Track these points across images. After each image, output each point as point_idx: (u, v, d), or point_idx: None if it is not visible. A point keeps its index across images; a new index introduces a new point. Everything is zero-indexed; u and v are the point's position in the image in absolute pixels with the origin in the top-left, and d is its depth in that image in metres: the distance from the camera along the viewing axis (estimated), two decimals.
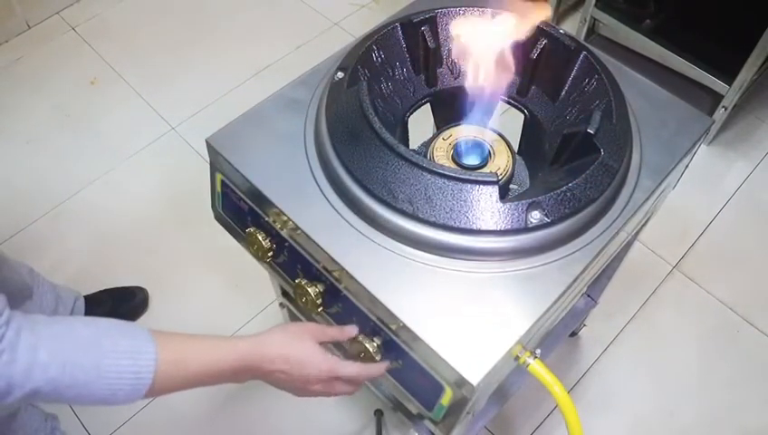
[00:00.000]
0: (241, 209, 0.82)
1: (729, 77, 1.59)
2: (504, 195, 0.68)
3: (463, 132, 0.81)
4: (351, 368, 0.70)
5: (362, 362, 0.71)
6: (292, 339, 0.68)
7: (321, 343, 0.70)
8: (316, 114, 0.79)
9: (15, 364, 0.52)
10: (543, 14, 0.77)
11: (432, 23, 0.82)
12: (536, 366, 0.67)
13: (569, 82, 0.79)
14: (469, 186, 0.66)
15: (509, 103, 0.85)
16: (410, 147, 0.85)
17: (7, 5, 1.94)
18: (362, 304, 0.70)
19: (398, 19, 0.81)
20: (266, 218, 0.77)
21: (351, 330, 0.72)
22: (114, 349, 0.57)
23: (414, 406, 0.74)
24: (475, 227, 0.66)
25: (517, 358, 0.67)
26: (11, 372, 0.52)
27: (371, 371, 0.71)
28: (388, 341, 0.69)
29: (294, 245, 0.75)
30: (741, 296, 1.47)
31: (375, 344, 0.71)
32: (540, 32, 0.80)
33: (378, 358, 0.71)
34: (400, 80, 0.83)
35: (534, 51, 0.80)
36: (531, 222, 0.66)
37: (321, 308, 0.76)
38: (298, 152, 0.77)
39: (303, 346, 0.68)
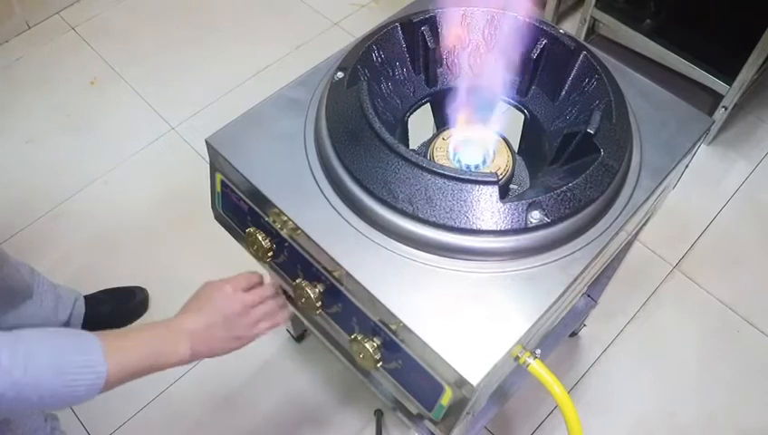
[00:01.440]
0: (241, 209, 0.82)
1: (729, 77, 1.59)
2: (503, 195, 0.68)
3: (463, 132, 0.81)
4: (248, 276, 0.78)
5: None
6: (200, 289, 0.77)
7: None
8: (316, 114, 0.80)
9: None
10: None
11: (432, 23, 0.82)
12: (536, 366, 0.67)
13: (569, 82, 0.79)
14: (469, 186, 0.66)
15: (509, 103, 0.85)
16: (410, 147, 0.85)
17: (7, 5, 1.93)
18: (362, 304, 0.70)
19: (398, 19, 0.81)
20: (266, 218, 0.77)
21: (256, 277, 0.79)
22: (65, 345, 0.60)
23: (414, 406, 0.74)
24: (475, 227, 0.66)
25: (517, 358, 0.67)
26: None
27: (266, 292, 0.79)
28: (388, 341, 0.69)
29: (294, 245, 0.75)
30: (741, 296, 1.47)
31: (375, 344, 0.71)
32: (540, 32, 0.80)
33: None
34: (400, 80, 0.83)
35: (534, 51, 0.80)
36: (531, 222, 0.66)
37: (320, 309, 0.76)
38: (298, 152, 0.77)
39: (204, 287, 0.77)
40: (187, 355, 0.70)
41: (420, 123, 0.89)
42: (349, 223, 0.71)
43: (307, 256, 0.74)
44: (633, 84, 0.85)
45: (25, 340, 0.58)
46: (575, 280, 0.68)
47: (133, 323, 0.65)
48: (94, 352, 0.61)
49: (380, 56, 0.80)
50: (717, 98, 1.65)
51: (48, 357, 0.58)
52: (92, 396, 0.61)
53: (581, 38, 1.80)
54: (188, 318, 0.72)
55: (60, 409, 0.61)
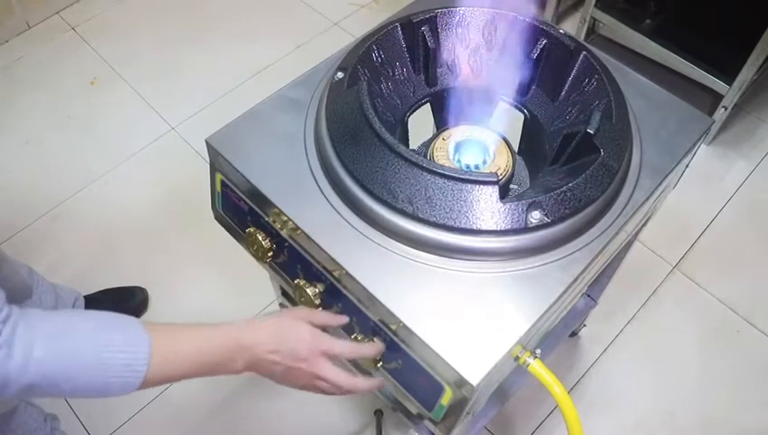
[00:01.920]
0: (241, 209, 0.82)
1: (729, 77, 1.59)
2: (504, 195, 0.68)
3: (463, 132, 0.81)
4: (342, 345, 0.69)
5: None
6: (281, 318, 0.69)
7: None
8: (316, 114, 0.79)
9: (11, 360, 0.53)
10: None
11: (432, 23, 0.82)
12: (536, 366, 0.67)
13: (569, 82, 0.79)
14: (469, 186, 0.66)
15: (509, 103, 0.85)
16: (410, 147, 0.85)
17: (7, 5, 1.93)
18: (362, 304, 0.70)
19: (398, 19, 0.81)
20: (266, 218, 0.77)
21: (342, 318, 0.73)
22: (108, 342, 0.58)
23: (414, 406, 0.74)
24: (475, 226, 0.66)
25: (517, 358, 0.67)
26: (7, 368, 0.53)
27: (363, 350, 0.70)
28: (388, 341, 0.69)
29: (294, 245, 0.75)
30: (741, 296, 1.47)
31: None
32: (540, 32, 0.80)
33: (379, 362, 0.71)
34: (400, 80, 0.83)
35: (534, 51, 0.80)
36: (531, 222, 0.66)
37: (319, 309, 0.76)
38: (298, 152, 0.77)
39: (292, 323, 0.69)
40: (240, 372, 0.68)
41: (420, 123, 0.89)
42: (349, 223, 0.71)
43: (307, 256, 0.74)
44: (633, 84, 0.85)
45: (64, 333, 0.57)
46: (575, 280, 0.68)
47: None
48: (138, 353, 0.59)
49: (380, 56, 0.80)
50: (717, 98, 1.65)
51: (89, 353, 0.57)
52: (126, 393, 0.60)
53: (581, 38, 1.80)
54: (263, 347, 0.66)
55: (88, 398, 0.60)
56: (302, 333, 0.68)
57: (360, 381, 0.71)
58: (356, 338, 0.72)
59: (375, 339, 0.71)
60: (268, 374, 0.69)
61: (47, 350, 0.55)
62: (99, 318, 0.60)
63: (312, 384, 0.70)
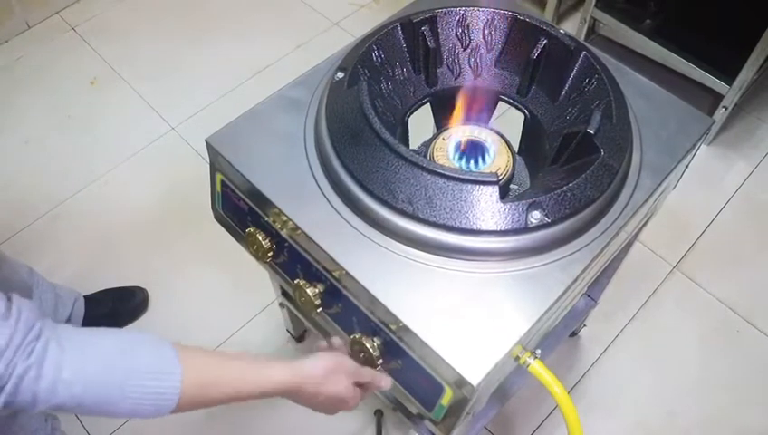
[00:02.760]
0: (241, 209, 0.82)
1: (729, 77, 1.59)
2: (504, 195, 0.68)
3: (463, 132, 0.81)
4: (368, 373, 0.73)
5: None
6: (329, 374, 0.69)
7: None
8: (316, 114, 0.79)
9: (41, 380, 0.52)
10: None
11: (432, 23, 0.82)
12: (536, 366, 0.67)
13: (569, 82, 0.79)
14: (469, 186, 0.66)
15: (509, 103, 0.85)
16: (410, 147, 0.85)
17: (7, 5, 1.93)
18: (362, 305, 0.70)
19: (398, 19, 0.81)
20: (266, 218, 0.77)
21: (387, 381, 0.73)
22: (139, 368, 0.57)
23: (414, 406, 0.74)
24: (475, 227, 0.66)
25: (517, 358, 0.67)
26: (37, 388, 0.52)
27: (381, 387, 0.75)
28: (388, 341, 0.69)
29: (294, 245, 0.75)
30: (741, 296, 1.47)
31: (375, 344, 0.71)
32: (540, 32, 0.80)
33: (379, 361, 0.71)
34: (400, 80, 0.83)
35: (534, 51, 0.80)
36: (531, 222, 0.66)
37: (319, 308, 0.76)
38: (298, 152, 0.77)
39: (338, 382, 0.70)
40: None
41: (420, 123, 0.89)
42: (349, 223, 0.71)
43: (307, 256, 0.74)
44: (633, 84, 0.85)
45: (93, 356, 0.56)
46: (575, 280, 0.68)
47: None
48: (170, 381, 0.58)
49: (380, 56, 0.80)
50: (717, 98, 1.65)
51: (116, 378, 0.56)
52: (161, 416, 0.60)
53: (581, 38, 1.80)
54: (303, 401, 0.70)
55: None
56: (345, 394, 0.71)
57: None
58: (356, 338, 0.72)
59: (378, 362, 0.72)
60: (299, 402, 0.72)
61: (75, 372, 0.54)
62: (131, 337, 0.59)
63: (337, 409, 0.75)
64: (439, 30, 0.83)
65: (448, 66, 0.85)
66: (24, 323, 0.53)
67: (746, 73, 1.55)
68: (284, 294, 1.15)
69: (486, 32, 0.83)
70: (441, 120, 0.87)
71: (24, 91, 1.85)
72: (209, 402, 0.62)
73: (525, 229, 0.67)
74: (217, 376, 0.62)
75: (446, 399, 0.67)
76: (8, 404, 0.52)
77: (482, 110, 0.82)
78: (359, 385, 0.73)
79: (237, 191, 0.80)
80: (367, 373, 0.72)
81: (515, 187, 0.84)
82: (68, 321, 1.30)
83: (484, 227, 0.66)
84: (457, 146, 0.80)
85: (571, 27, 1.96)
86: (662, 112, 0.82)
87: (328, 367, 0.69)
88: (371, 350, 0.70)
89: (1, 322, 0.52)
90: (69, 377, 0.54)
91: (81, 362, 0.55)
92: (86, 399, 0.54)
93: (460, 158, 0.79)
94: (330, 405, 0.72)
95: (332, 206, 0.72)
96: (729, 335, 1.42)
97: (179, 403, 0.59)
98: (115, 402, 0.56)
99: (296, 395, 0.68)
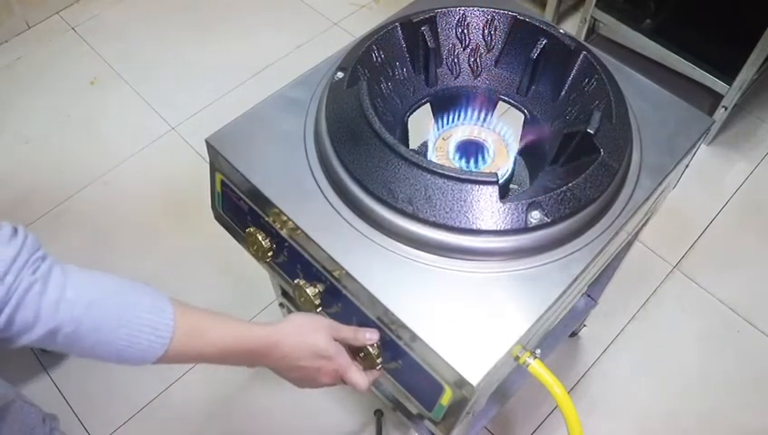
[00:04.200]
0: (241, 209, 0.82)
1: (729, 77, 1.59)
2: (504, 195, 0.68)
3: (463, 132, 0.81)
4: (356, 376, 0.71)
5: (369, 373, 0.73)
6: (308, 331, 0.69)
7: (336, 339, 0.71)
8: (316, 114, 0.80)
9: (45, 296, 0.53)
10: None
11: (432, 23, 0.82)
12: (536, 366, 0.67)
13: (569, 82, 0.79)
14: (469, 186, 0.66)
15: (509, 103, 0.85)
16: (410, 147, 0.85)
17: (7, 5, 1.93)
18: (362, 304, 0.70)
19: (398, 19, 0.81)
20: (266, 218, 0.77)
21: (371, 335, 0.71)
22: (138, 302, 0.59)
23: (414, 406, 0.74)
24: (474, 226, 0.66)
25: (517, 358, 0.67)
26: (40, 304, 0.53)
27: (374, 377, 0.73)
28: (388, 341, 0.69)
29: (294, 244, 0.75)
30: (741, 296, 1.47)
31: (375, 344, 0.71)
32: (540, 32, 0.80)
33: (378, 360, 0.71)
34: (400, 80, 0.83)
35: (534, 51, 0.80)
36: (531, 222, 0.66)
37: (319, 308, 0.76)
38: (298, 152, 0.77)
39: (318, 339, 0.69)
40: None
41: (420, 123, 0.89)
42: (349, 223, 0.71)
43: (307, 256, 0.74)
44: (633, 84, 0.85)
45: (96, 283, 0.57)
46: (575, 280, 0.68)
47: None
48: (163, 317, 0.59)
49: (380, 56, 0.80)
50: (717, 98, 1.65)
51: (115, 304, 0.57)
52: (148, 362, 0.60)
53: (581, 38, 1.80)
54: (283, 361, 0.69)
55: (108, 362, 0.59)
56: (326, 351, 0.69)
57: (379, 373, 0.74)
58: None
59: (378, 360, 0.71)
60: (282, 374, 0.72)
61: (78, 294, 0.55)
62: (129, 280, 0.61)
63: (332, 382, 0.72)
64: (439, 30, 0.83)
65: (448, 66, 0.85)
66: (31, 244, 0.55)
67: (746, 73, 1.55)
68: (284, 294, 1.15)
69: (486, 32, 0.83)
70: (441, 120, 0.87)
71: (24, 91, 1.86)
72: (196, 351, 0.62)
73: (525, 229, 0.67)
74: (205, 324, 0.64)
75: (446, 399, 0.67)
76: (8, 322, 0.52)
77: (482, 110, 0.82)
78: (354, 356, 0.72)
79: (237, 191, 0.80)
80: (347, 329, 0.72)
81: (515, 187, 0.84)
82: None
83: (483, 227, 0.66)
84: (457, 146, 0.80)
85: (571, 27, 1.96)
86: (662, 112, 0.82)
87: (304, 321, 0.70)
88: (371, 350, 0.70)
89: (9, 240, 0.54)
90: (72, 296, 0.55)
91: (84, 286, 0.56)
92: (84, 323, 0.55)
93: (460, 158, 0.79)
94: (312, 369, 0.70)
95: (332, 206, 0.72)
96: (729, 335, 1.42)
97: (171, 344, 0.59)
98: (112, 331, 0.57)
99: (275, 351, 0.67)
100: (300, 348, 0.68)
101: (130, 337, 0.57)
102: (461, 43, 0.84)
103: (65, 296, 0.54)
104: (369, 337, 0.70)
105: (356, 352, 0.72)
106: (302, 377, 0.71)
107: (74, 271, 0.57)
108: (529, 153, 0.87)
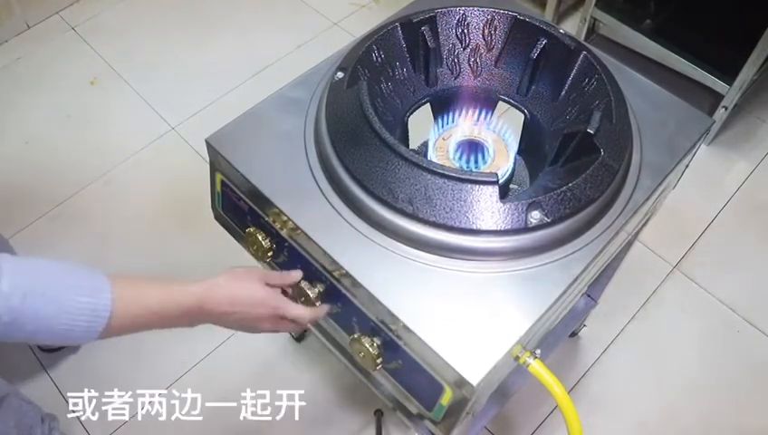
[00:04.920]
0: (241, 209, 0.82)
1: (729, 77, 1.59)
2: (504, 195, 0.68)
3: (463, 132, 0.81)
4: (297, 309, 0.74)
5: (306, 305, 0.75)
6: (239, 281, 0.72)
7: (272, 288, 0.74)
8: (316, 114, 0.79)
9: None
10: None
11: (432, 23, 0.82)
12: (536, 366, 0.67)
13: (569, 82, 0.79)
14: (469, 186, 0.66)
15: (509, 103, 0.85)
16: (410, 147, 0.85)
17: (7, 5, 1.93)
18: (362, 305, 0.70)
19: (398, 19, 0.81)
20: (266, 218, 0.77)
21: (295, 275, 0.75)
22: (76, 285, 0.59)
23: (414, 406, 0.74)
24: (474, 226, 0.66)
25: (517, 358, 0.67)
26: None
27: (316, 313, 0.75)
28: (388, 341, 0.69)
29: (294, 245, 0.75)
30: (741, 296, 1.47)
31: (375, 344, 0.71)
32: (540, 32, 0.80)
33: (379, 361, 0.71)
34: (400, 80, 0.83)
35: (534, 51, 0.80)
36: (531, 222, 0.66)
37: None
38: (298, 152, 0.77)
39: (251, 287, 0.72)
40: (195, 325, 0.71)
41: (420, 123, 0.89)
42: (349, 223, 0.71)
43: (307, 256, 0.74)
44: (633, 84, 0.85)
45: (31, 272, 0.58)
46: (575, 280, 0.68)
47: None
48: (102, 298, 0.60)
49: (380, 56, 0.80)
50: (717, 98, 1.65)
51: (52, 292, 0.58)
52: (90, 340, 0.61)
53: (581, 38, 1.80)
54: (221, 310, 0.70)
55: (53, 343, 0.60)
56: (259, 296, 0.72)
57: (322, 308, 0.76)
58: (356, 338, 0.72)
59: (376, 357, 0.71)
60: (227, 325, 0.73)
61: (14, 284, 0.55)
62: (64, 263, 0.62)
63: (275, 327, 0.75)
64: (439, 30, 0.83)
65: (448, 66, 0.85)
66: None
67: (746, 73, 1.55)
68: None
69: (486, 32, 0.83)
70: (441, 121, 0.87)
71: (24, 91, 1.85)
72: (135, 320, 0.64)
73: (525, 229, 0.67)
74: (141, 293, 0.66)
75: (446, 399, 0.67)
76: None
77: (482, 110, 0.82)
78: (286, 317, 0.74)
79: (237, 191, 0.80)
80: (275, 274, 0.75)
81: (515, 187, 0.84)
82: None
83: (483, 227, 0.66)
84: (457, 146, 0.80)
85: (571, 27, 1.96)
86: (662, 112, 0.82)
87: (236, 272, 0.73)
88: (371, 350, 0.70)
89: None
90: (6, 288, 0.54)
91: (19, 275, 0.56)
92: (23, 313, 0.55)
93: (460, 157, 0.79)
94: (251, 316, 0.72)
95: (332, 206, 0.72)
96: (729, 335, 1.42)
97: (111, 320, 0.61)
98: (51, 318, 0.57)
99: (209, 303, 0.69)
100: (233, 296, 0.70)
101: (71, 322, 0.58)
102: (461, 42, 0.84)
103: (0, 290, 0.54)
104: (295, 275, 0.75)
105: (357, 352, 0.72)
106: (241, 325, 0.73)
107: (7, 260, 0.57)
108: (529, 153, 0.87)
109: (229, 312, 0.71)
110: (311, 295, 0.75)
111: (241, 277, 0.72)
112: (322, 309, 0.75)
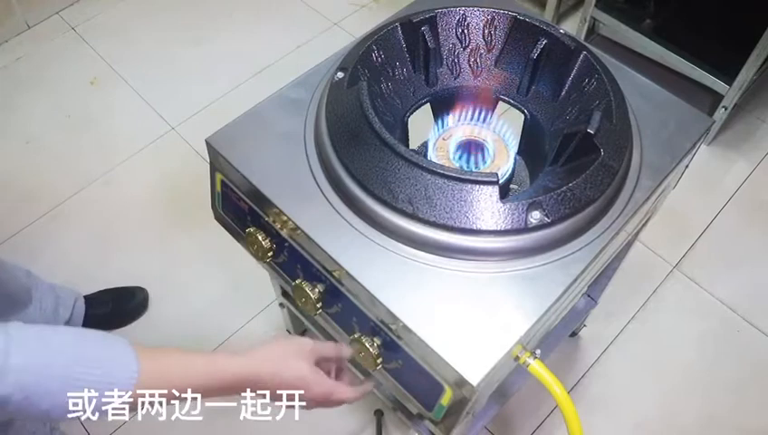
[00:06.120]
0: (241, 209, 0.82)
1: (729, 77, 1.59)
2: (504, 195, 0.68)
3: (463, 132, 0.81)
4: (347, 393, 0.70)
5: (357, 387, 0.73)
6: (286, 360, 0.66)
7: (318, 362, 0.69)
8: (316, 114, 0.79)
9: None
10: None
11: (432, 23, 0.82)
12: (536, 366, 0.67)
13: (569, 82, 0.79)
14: (469, 186, 0.66)
15: (509, 103, 0.85)
16: (410, 147, 0.85)
17: (7, 5, 1.93)
18: (362, 305, 0.70)
19: (398, 19, 0.81)
20: (266, 218, 0.77)
21: (347, 350, 0.72)
22: (90, 356, 0.54)
23: (414, 406, 0.74)
24: (475, 226, 0.66)
25: (517, 358, 0.67)
26: None
27: (366, 390, 0.74)
28: (388, 341, 0.69)
29: (294, 245, 0.75)
30: (741, 296, 1.47)
31: (375, 344, 0.71)
32: (540, 32, 0.80)
33: (379, 361, 0.71)
34: (400, 80, 0.83)
35: (534, 51, 0.80)
36: (531, 222, 0.66)
37: (320, 309, 0.76)
38: (298, 152, 0.77)
39: (299, 367, 0.66)
40: None
41: (420, 123, 0.89)
42: (349, 223, 0.71)
43: (307, 256, 0.74)
44: (633, 84, 0.85)
45: (46, 347, 0.52)
46: (575, 280, 0.68)
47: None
48: (123, 379, 0.56)
49: (380, 56, 0.80)
50: (717, 98, 1.65)
51: (66, 366, 0.52)
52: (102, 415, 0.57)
53: (581, 38, 1.80)
54: (264, 379, 0.64)
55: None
56: (307, 380, 0.66)
57: (368, 385, 0.75)
58: (356, 338, 0.72)
59: (379, 361, 0.71)
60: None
61: (26, 358, 0.50)
62: (83, 331, 0.56)
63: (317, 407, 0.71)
64: (439, 30, 0.83)
65: (448, 66, 0.85)
66: None
67: (746, 73, 1.55)
68: (284, 294, 1.15)
69: (486, 32, 0.83)
70: (441, 121, 0.87)
71: (24, 92, 1.85)
72: (163, 395, 0.59)
73: (525, 229, 0.67)
74: (170, 367, 0.60)
75: (446, 399, 0.67)
76: None
77: (482, 110, 0.82)
78: (337, 374, 0.72)
79: (237, 191, 0.80)
80: (328, 346, 0.70)
81: (515, 187, 0.84)
82: (69, 322, 1.30)
83: (483, 227, 0.66)
84: (457, 146, 0.80)
85: (571, 27, 1.96)
86: (662, 112, 0.82)
87: (284, 348, 0.66)
88: (371, 350, 0.70)
89: None
90: (18, 363, 0.49)
91: (31, 348, 0.51)
92: (35, 391, 0.50)
93: (460, 157, 0.79)
94: (296, 395, 0.67)
95: (332, 206, 0.72)
96: (729, 335, 1.42)
97: (134, 394, 0.56)
98: (64, 394, 0.52)
99: (256, 385, 0.64)
100: (279, 376, 0.65)
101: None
102: (461, 43, 0.84)
103: (9, 364, 0.48)
104: (347, 350, 0.72)
105: (357, 352, 0.72)
106: (285, 402, 0.68)
107: (19, 329, 0.51)
108: (529, 153, 0.87)
109: (271, 390, 0.65)
110: (311, 296, 0.75)
111: (288, 355, 0.66)
112: (368, 386, 0.73)
